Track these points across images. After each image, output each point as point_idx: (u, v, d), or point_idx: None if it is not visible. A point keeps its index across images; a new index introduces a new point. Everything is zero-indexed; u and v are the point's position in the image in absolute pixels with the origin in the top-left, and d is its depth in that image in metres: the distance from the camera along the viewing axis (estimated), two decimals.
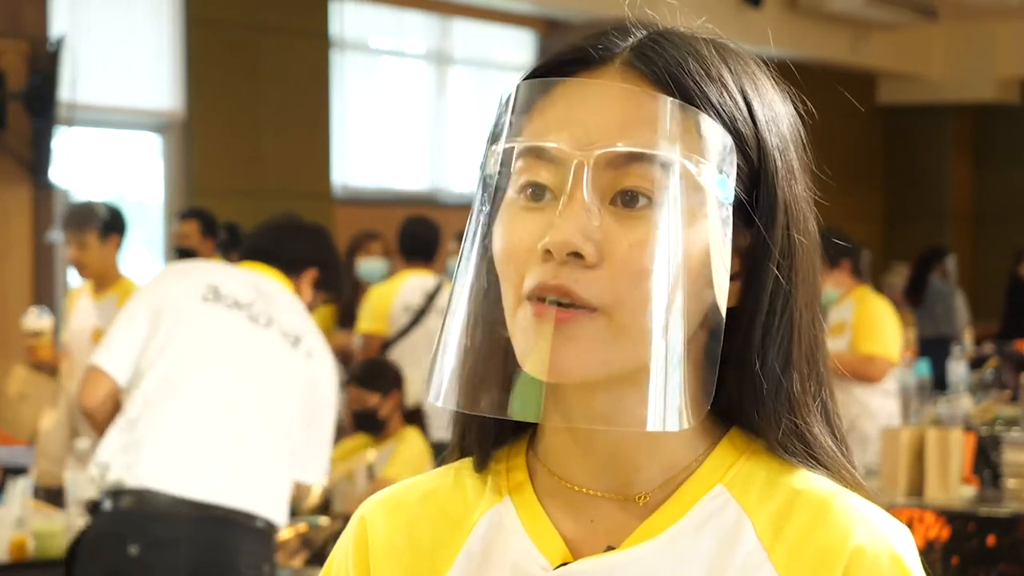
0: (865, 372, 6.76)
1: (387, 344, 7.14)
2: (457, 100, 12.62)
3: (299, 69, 10.96)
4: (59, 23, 9.30)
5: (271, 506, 4.07)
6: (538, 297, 1.16)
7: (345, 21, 11.57)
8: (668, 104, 1.17)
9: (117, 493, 3.97)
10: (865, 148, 16.83)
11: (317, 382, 4.19)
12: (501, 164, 1.20)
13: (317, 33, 11.18)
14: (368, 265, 7.76)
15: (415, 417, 6.16)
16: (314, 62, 11.15)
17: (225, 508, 3.98)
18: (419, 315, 7.22)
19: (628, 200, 1.16)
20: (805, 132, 1.28)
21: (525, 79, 1.23)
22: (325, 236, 4.57)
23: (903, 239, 16.27)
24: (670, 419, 1.15)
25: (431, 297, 7.26)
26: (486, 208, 1.20)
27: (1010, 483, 5.43)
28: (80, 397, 4.15)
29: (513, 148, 1.20)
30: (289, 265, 4.33)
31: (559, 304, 1.15)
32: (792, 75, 1.30)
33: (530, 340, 1.16)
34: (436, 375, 1.20)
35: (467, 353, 1.20)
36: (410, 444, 5.96)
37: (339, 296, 4.80)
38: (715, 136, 1.18)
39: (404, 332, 7.17)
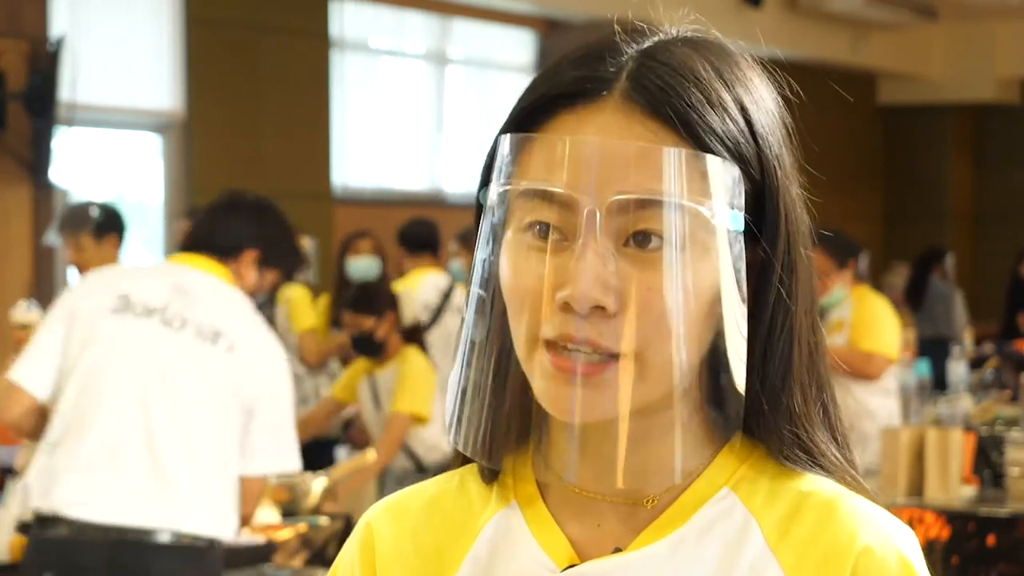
0: (863, 369, 6.75)
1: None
2: (457, 100, 12.62)
3: (299, 69, 10.96)
4: (59, 23, 9.30)
5: (199, 519, 3.93)
6: (558, 344, 1.16)
7: (345, 21, 11.57)
8: (675, 153, 1.16)
9: (38, 519, 3.92)
10: (865, 148, 16.83)
11: (244, 374, 3.99)
12: (504, 205, 1.20)
13: (317, 33, 11.18)
14: (358, 264, 7.77)
15: (413, 335, 6.20)
16: (314, 62, 11.15)
17: (140, 529, 3.87)
18: (437, 314, 7.30)
19: (640, 241, 1.16)
20: (797, 122, 1.27)
21: (520, 109, 1.22)
22: (265, 211, 4.25)
23: (903, 239, 16.28)
24: (693, 461, 1.19)
25: (446, 295, 7.35)
26: (491, 251, 1.20)
27: (1014, 482, 5.43)
28: None
29: (516, 189, 1.19)
30: (224, 251, 4.12)
31: (581, 351, 1.15)
32: (792, 75, 1.29)
33: (554, 387, 1.17)
34: (456, 419, 1.21)
35: (484, 402, 1.21)
36: (412, 364, 6.00)
37: (292, 273, 4.66)
38: (723, 172, 1.18)
39: (424, 330, 7.26)
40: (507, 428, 1.22)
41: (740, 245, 1.18)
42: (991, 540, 5.16)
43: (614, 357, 1.16)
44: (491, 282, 1.20)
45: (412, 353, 6.07)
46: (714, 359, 1.19)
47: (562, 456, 1.24)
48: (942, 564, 5.16)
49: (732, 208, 1.18)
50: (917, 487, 5.38)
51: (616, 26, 1.25)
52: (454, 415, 1.21)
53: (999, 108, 16.95)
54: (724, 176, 1.17)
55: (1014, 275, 12.94)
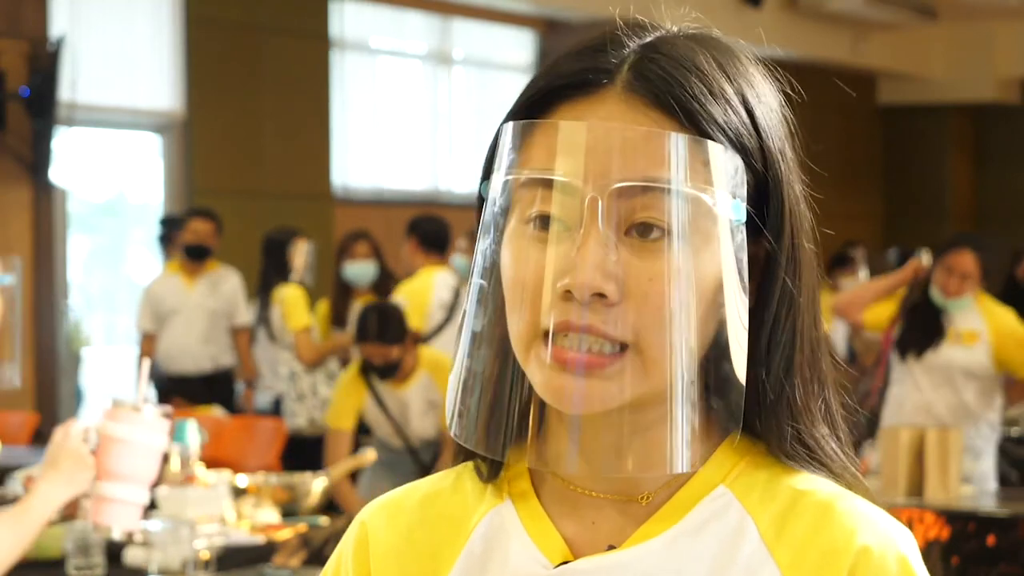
0: None
1: (423, 340, 7.20)
2: (457, 100, 12.62)
3: (299, 69, 10.96)
4: (59, 23, 9.30)
5: None
6: (559, 332, 1.15)
7: (345, 21, 11.57)
8: (677, 138, 1.16)
9: None
10: (865, 148, 16.83)
11: None
12: (506, 195, 1.20)
13: (317, 33, 11.18)
14: (355, 269, 7.78)
15: (416, 340, 6.14)
16: (314, 62, 11.15)
17: None
18: (451, 311, 7.33)
19: (643, 231, 1.16)
20: (797, 122, 1.27)
21: (523, 102, 1.23)
22: None
23: (903, 239, 16.27)
24: (693, 455, 1.17)
25: (457, 293, 7.37)
26: (492, 242, 1.20)
27: None
28: None
29: (518, 179, 1.19)
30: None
31: (582, 340, 1.15)
32: (792, 75, 1.29)
33: (555, 379, 1.16)
34: (457, 411, 1.20)
35: (485, 394, 1.20)
36: (445, 368, 5.90)
37: None
38: (725, 161, 1.18)
39: (439, 328, 7.27)
40: (508, 420, 1.21)
41: (742, 235, 1.18)
42: (991, 540, 5.16)
43: (615, 349, 1.15)
44: (493, 273, 1.20)
45: (440, 360, 6.00)
46: (717, 351, 1.18)
47: (559, 449, 1.23)
48: (942, 564, 5.16)
49: (734, 197, 1.18)
50: (917, 487, 5.37)
51: (618, 21, 1.25)
52: (455, 407, 1.20)
53: (999, 108, 16.95)
54: (726, 164, 1.17)
55: (1010, 276, 12.93)
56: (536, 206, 1.17)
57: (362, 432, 6.32)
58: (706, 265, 1.16)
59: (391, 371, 5.94)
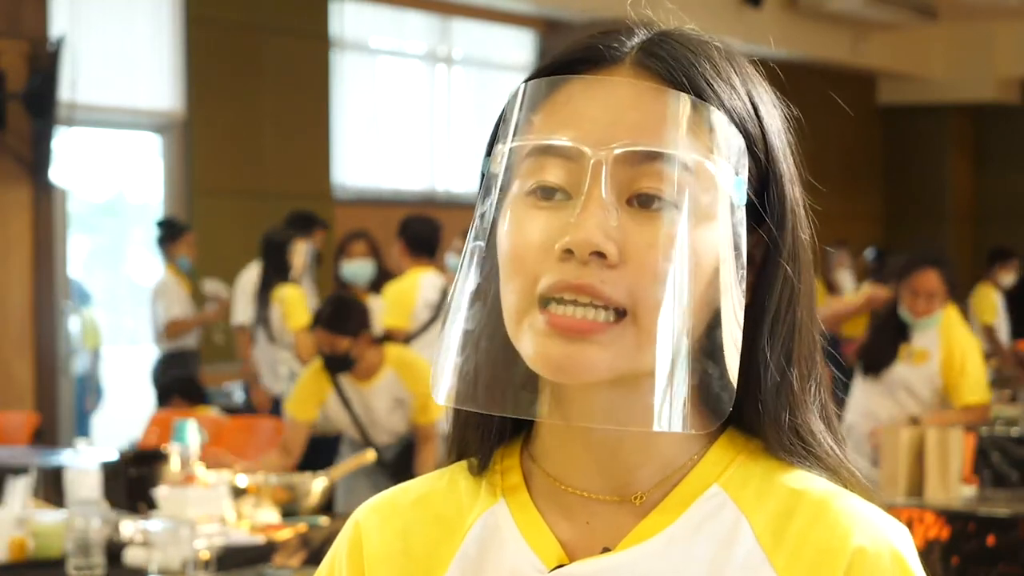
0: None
1: (408, 339, 7.20)
2: (457, 100, 12.63)
3: (299, 69, 10.97)
4: (59, 23, 9.30)
5: None
6: (554, 298, 1.15)
7: (345, 21, 11.58)
8: (684, 101, 1.16)
9: None
10: (865, 148, 16.83)
11: None
12: (509, 162, 1.19)
13: (317, 33, 11.18)
14: (352, 268, 7.78)
15: (386, 338, 6.09)
16: (314, 62, 11.16)
17: None
18: (438, 311, 7.32)
19: (645, 200, 1.16)
20: (800, 135, 1.28)
21: (533, 77, 1.23)
22: None
23: (903, 239, 16.28)
24: (679, 420, 1.15)
25: (445, 293, 7.35)
26: (492, 206, 1.19)
27: None
28: None
29: (523, 146, 1.19)
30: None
31: (575, 303, 1.14)
32: (792, 75, 1.30)
33: (548, 345, 1.15)
34: (439, 372, 1.20)
35: (468, 351, 1.19)
36: (415, 369, 5.86)
37: None
38: (729, 136, 1.18)
39: (425, 328, 7.26)
40: (501, 376, 1.19)
41: (742, 213, 1.18)
42: (991, 540, 5.16)
43: (610, 318, 1.14)
44: (490, 235, 1.19)
45: (405, 357, 5.97)
46: (713, 325, 1.18)
47: (548, 444, 1.23)
48: (942, 564, 5.16)
49: (737, 174, 1.18)
50: (917, 487, 5.37)
51: (629, 11, 1.26)
52: (443, 369, 1.19)
53: (999, 108, 16.96)
54: (730, 138, 1.18)
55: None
56: (538, 173, 1.18)
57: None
58: (706, 237, 1.16)
59: (342, 364, 5.86)
